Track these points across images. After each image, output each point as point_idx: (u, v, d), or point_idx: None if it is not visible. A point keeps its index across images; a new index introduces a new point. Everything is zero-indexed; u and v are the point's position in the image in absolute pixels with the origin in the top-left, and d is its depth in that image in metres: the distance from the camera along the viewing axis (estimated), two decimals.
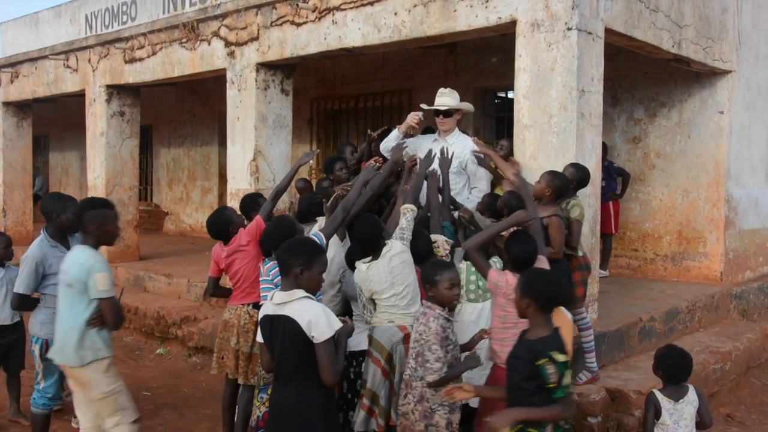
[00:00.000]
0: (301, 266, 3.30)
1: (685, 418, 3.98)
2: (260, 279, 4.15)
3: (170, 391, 6.28)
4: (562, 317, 4.25)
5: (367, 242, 4.32)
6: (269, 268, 4.09)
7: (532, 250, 3.99)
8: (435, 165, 5.18)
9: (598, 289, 5.63)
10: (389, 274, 4.20)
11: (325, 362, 3.22)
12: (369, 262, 4.29)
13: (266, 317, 3.37)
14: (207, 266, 5.23)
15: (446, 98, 5.65)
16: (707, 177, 7.64)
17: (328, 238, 4.34)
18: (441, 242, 4.57)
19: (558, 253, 4.73)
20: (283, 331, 3.27)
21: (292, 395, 3.33)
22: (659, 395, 4.00)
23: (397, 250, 4.24)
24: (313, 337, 3.20)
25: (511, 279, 3.91)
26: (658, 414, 3.95)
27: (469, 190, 5.65)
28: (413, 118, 5.67)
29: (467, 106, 5.86)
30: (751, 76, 7.95)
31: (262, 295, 4.08)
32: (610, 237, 7.85)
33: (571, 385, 3.21)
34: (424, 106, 5.81)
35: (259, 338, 3.48)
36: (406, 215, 4.42)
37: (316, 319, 3.22)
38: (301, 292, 3.28)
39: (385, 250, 4.25)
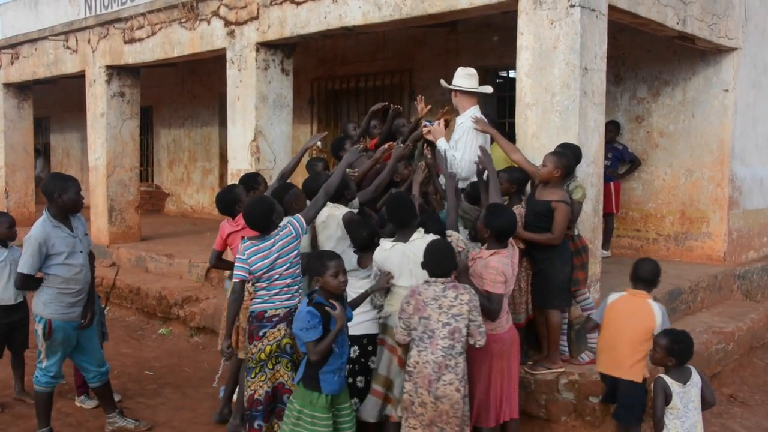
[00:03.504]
0: None
1: (693, 400, 3.98)
2: (236, 257, 4.16)
3: (172, 370, 6.30)
4: (646, 307, 4.26)
5: (396, 216, 4.34)
6: (245, 247, 4.09)
7: (510, 223, 4.22)
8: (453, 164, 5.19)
9: (600, 269, 5.61)
10: (408, 261, 4.18)
11: None
12: (395, 241, 4.28)
13: None
14: (208, 247, 5.36)
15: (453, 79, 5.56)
16: (711, 156, 7.57)
17: (308, 221, 4.30)
18: (455, 239, 4.46)
19: (558, 239, 4.71)
20: None
21: None
22: (669, 380, 3.94)
23: (429, 240, 4.13)
24: None
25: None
26: (668, 399, 3.91)
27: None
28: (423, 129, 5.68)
29: (453, 85, 5.69)
30: (757, 53, 7.85)
31: (235, 273, 4.10)
32: (612, 216, 7.82)
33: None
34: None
35: None
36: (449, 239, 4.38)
37: None
38: None
39: (415, 236, 4.24)
